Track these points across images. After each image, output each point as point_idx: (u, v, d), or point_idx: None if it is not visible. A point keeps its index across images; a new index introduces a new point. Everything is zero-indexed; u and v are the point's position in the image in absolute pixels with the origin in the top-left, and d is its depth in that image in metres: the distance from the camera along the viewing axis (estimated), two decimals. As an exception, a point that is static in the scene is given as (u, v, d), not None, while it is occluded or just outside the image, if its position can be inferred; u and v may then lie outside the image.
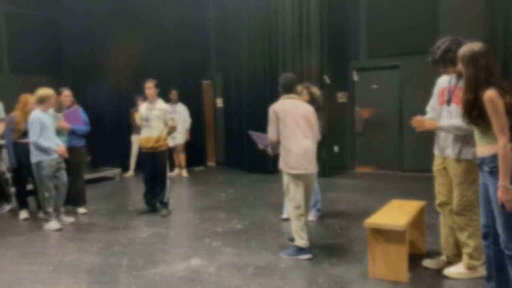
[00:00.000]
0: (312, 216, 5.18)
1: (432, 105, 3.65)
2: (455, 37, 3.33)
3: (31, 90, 5.76)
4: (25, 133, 5.62)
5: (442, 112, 3.45)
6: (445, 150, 3.47)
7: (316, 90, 5.05)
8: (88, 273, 3.83)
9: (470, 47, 2.82)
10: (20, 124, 5.70)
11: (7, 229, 5.37)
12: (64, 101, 5.90)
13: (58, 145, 5.41)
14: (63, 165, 5.50)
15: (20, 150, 5.71)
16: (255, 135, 4.79)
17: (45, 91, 5.45)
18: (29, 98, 5.78)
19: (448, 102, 3.38)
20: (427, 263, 3.72)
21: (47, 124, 5.34)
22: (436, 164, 3.61)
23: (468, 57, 2.79)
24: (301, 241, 4.01)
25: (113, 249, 4.45)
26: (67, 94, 5.98)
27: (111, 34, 10.04)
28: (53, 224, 5.30)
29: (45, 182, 5.28)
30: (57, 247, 4.58)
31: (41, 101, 5.37)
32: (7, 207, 6.39)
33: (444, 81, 3.50)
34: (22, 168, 5.80)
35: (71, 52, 9.81)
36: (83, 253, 4.38)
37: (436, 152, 3.59)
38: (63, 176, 5.48)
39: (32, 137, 5.24)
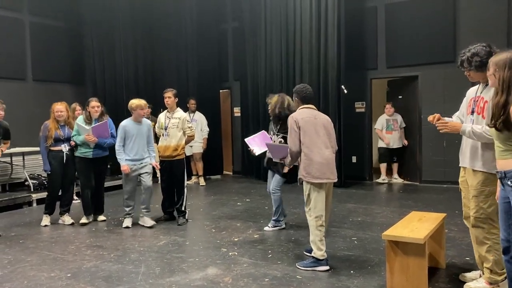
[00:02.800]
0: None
1: (458, 115, 3.60)
2: (488, 44, 3.26)
3: (53, 98, 5.92)
4: (56, 140, 5.79)
5: (467, 122, 3.40)
6: (464, 161, 3.41)
7: (291, 100, 5.02)
8: (105, 280, 3.86)
9: (509, 53, 2.77)
10: (52, 131, 5.77)
11: (27, 235, 5.47)
12: (92, 112, 5.84)
13: (143, 156, 5.66)
14: (148, 170, 5.71)
15: (52, 157, 5.82)
16: (272, 146, 4.74)
17: (136, 101, 5.60)
18: (57, 106, 5.85)
19: (472, 112, 3.32)
20: (464, 277, 3.63)
21: (132, 133, 5.54)
22: (461, 176, 3.53)
23: (505, 60, 2.72)
24: (319, 252, 3.97)
25: (130, 257, 4.48)
26: (93, 105, 5.83)
27: (131, 44, 10.25)
28: (126, 221, 5.69)
29: (123, 182, 5.62)
30: (76, 254, 4.64)
31: (131, 110, 5.57)
32: None
33: (472, 92, 3.44)
34: (55, 174, 5.87)
35: (92, 62, 10.00)
36: (100, 260, 4.42)
37: (460, 163, 3.51)
38: (146, 180, 5.67)
39: (116, 144, 5.58)
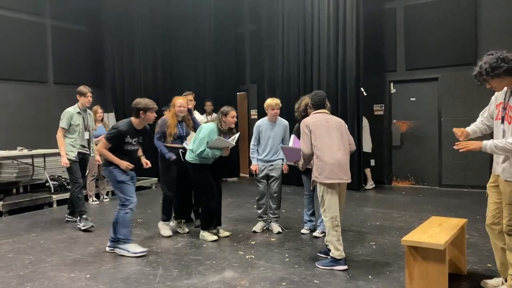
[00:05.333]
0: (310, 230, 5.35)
1: (487, 115, 3.50)
2: (498, 51, 3.17)
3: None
4: (176, 138, 5.39)
5: (498, 129, 3.29)
6: (496, 168, 3.32)
7: None
8: (123, 281, 3.89)
9: None
10: (172, 128, 5.34)
11: (48, 236, 5.56)
12: (229, 123, 5.14)
13: (275, 158, 5.38)
14: (276, 175, 5.39)
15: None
16: (286, 149, 4.74)
17: (268, 100, 5.42)
18: (179, 100, 5.42)
19: (502, 119, 3.23)
20: (486, 284, 3.56)
21: (266, 133, 5.38)
22: (490, 181, 3.45)
23: None
24: (336, 252, 4.02)
25: (148, 259, 4.52)
26: (234, 115, 5.15)
27: (150, 47, 10.38)
28: (257, 225, 5.55)
29: (256, 184, 5.52)
30: (95, 255, 4.69)
31: (266, 110, 5.44)
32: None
33: (501, 95, 3.32)
34: (173, 174, 5.42)
35: (112, 65, 10.16)
36: (119, 261, 4.46)
37: (493, 169, 3.43)
38: (271, 187, 5.42)
39: (251, 144, 5.52)
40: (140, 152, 5.01)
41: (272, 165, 5.42)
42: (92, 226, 5.72)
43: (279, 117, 5.45)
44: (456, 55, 8.02)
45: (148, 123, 4.82)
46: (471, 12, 7.98)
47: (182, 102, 5.44)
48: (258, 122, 5.50)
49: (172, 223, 5.58)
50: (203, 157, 4.99)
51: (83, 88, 5.92)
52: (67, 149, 5.77)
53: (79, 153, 5.91)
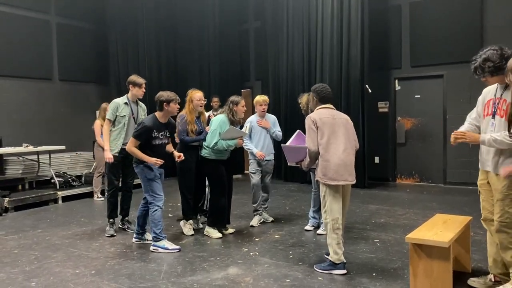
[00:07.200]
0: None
1: (475, 115, 3.48)
2: (499, 46, 3.16)
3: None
4: (197, 134, 5.26)
5: (487, 124, 3.28)
6: (486, 164, 3.31)
7: None
8: (128, 278, 3.91)
9: None
10: (193, 124, 5.22)
11: (53, 232, 5.60)
12: (240, 113, 5.21)
13: (268, 152, 5.70)
14: (269, 170, 5.78)
15: (188, 153, 5.15)
16: (288, 149, 4.54)
17: (257, 97, 5.61)
18: (197, 94, 5.30)
19: (493, 114, 3.22)
20: (473, 282, 3.55)
21: (258, 128, 5.65)
22: (480, 179, 3.45)
23: None
24: (335, 256, 3.88)
25: (152, 255, 4.54)
26: (244, 104, 5.22)
27: (154, 44, 10.40)
28: (254, 219, 5.74)
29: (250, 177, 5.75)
30: (100, 251, 4.72)
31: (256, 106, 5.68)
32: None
33: (490, 92, 3.33)
34: (191, 172, 5.30)
35: (116, 62, 10.16)
36: (123, 258, 4.49)
37: (480, 166, 3.43)
38: (266, 180, 5.75)
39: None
40: (170, 147, 4.97)
41: (266, 160, 5.67)
42: (113, 236, 5.30)
43: (267, 113, 5.76)
44: (462, 52, 7.96)
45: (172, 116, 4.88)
46: (476, 9, 7.92)
47: (200, 95, 5.35)
48: (249, 119, 5.68)
49: (183, 222, 5.49)
50: (218, 149, 5.02)
51: (137, 78, 5.44)
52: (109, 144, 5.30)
53: (123, 150, 5.17)
